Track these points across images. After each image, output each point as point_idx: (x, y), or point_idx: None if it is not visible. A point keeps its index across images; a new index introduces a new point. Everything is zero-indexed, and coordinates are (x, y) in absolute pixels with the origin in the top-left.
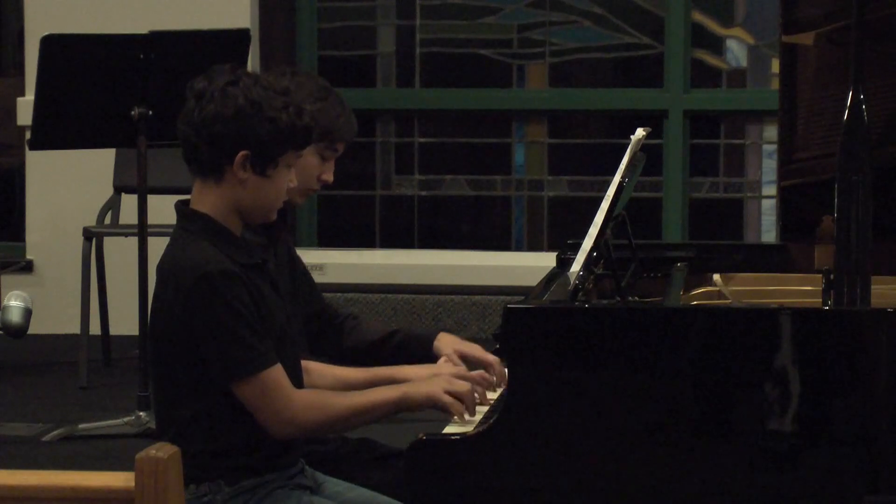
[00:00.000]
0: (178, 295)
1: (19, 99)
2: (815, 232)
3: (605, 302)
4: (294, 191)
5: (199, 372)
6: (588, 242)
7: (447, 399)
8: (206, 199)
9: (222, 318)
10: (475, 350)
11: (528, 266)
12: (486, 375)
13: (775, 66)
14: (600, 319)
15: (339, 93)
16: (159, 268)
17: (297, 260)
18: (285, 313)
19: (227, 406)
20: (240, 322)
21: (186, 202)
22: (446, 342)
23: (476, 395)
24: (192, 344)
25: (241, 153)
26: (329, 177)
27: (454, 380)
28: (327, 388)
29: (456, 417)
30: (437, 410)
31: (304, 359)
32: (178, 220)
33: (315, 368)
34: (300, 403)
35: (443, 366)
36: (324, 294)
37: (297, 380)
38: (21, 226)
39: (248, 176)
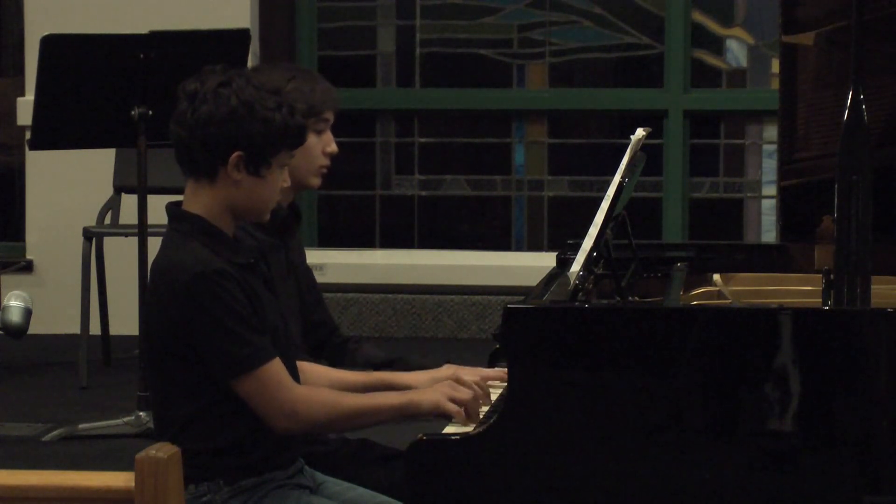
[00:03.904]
0: (171, 295)
1: (19, 99)
2: (815, 232)
3: (605, 302)
4: (307, 172)
5: (196, 372)
6: (588, 242)
7: (451, 407)
8: (200, 200)
9: (218, 316)
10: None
11: (528, 266)
12: (484, 386)
13: (775, 66)
14: (600, 319)
15: (310, 70)
16: (152, 269)
17: (307, 269)
18: (280, 312)
19: (225, 405)
20: (236, 319)
21: (178, 203)
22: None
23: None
24: (189, 344)
25: (235, 154)
26: (333, 147)
27: (458, 387)
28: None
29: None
30: (442, 418)
31: (301, 360)
32: (169, 221)
33: (312, 369)
34: (302, 398)
35: (443, 371)
36: (324, 294)
37: (294, 378)
38: (21, 226)
39: (242, 176)
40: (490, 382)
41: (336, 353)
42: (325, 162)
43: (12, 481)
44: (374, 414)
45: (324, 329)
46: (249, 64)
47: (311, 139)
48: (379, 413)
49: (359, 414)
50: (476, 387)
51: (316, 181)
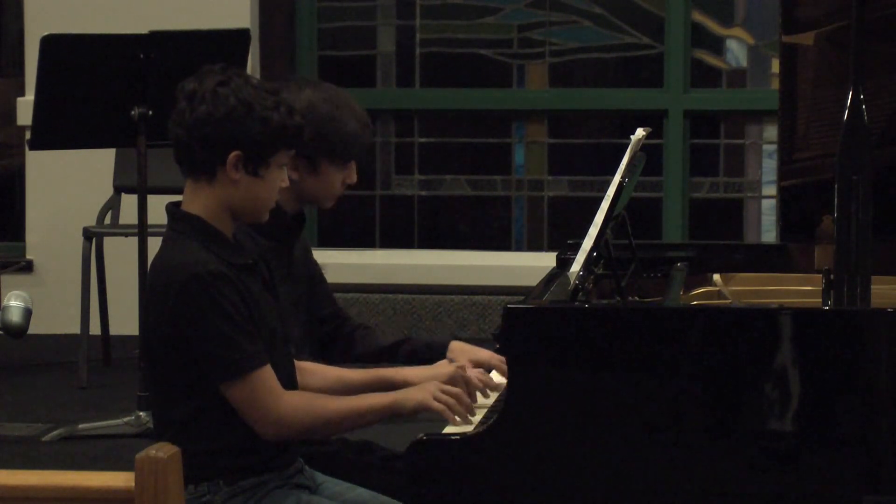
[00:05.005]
0: (168, 296)
1: (19, 99)
2: (815, 232)
3: (605, 302)
4: (324, 198)
5: (194, 373)
6: (588, 242)
7: (436, 405)
8: (198, 200)
9: (212, 319)
10: (487, 357)
11: (528, 266)
12: (483, 377)
13: (775, 66)
14: (600, 319)
15: (352, 101)
16: (150, 269)
17: (314, 263)
18: (279, 314)
19: (224, 406)
20: (229, 323)
21: (178, 203)
22: (459, 350)
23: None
24: (184, 345)
25: (234, 153)
26: (353, 179)
27: (444, 386)
28: (327, 389)
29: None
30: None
31: (304, 360)
32: (168, 221)
33: (314, 369)
34: (289, 405)
35: (442, 366)
36: None
37: (291, 381)
38: (21, 226)
39: (241, 176)
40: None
41: (346, 341)
42: (343, 190)
43: (12, 481)
44: (359, 416)
45: (333, 322)
46: (249, 64)
47: (335, 173)
48: (365, 415)
49: (345, 417)
50: (469, 385)
51: (330, 203)
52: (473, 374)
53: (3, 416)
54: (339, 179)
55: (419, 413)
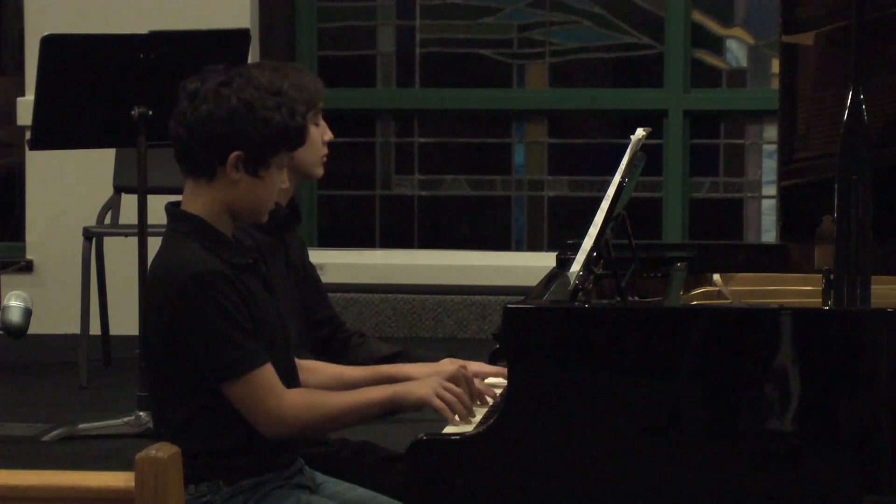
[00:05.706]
0: (167, 296)
1: (19, 99)
2: (815, 232)
3: (605, 302)
4: (312, 164)
5: (193, 373)
6: (588, 242)
7: (437, 403)
8: (198, 200)
9: (212, 319)
10: (478, 368)
11: (528, 266)
12: (486, 390)
13: (775, 66)
14: (600, 319)
15: (292, 63)
16: (150, 270)
17: (311, 267)
18: (278, 313)
19: (224, 406)
20: (229, 322)
21: (177, 203)
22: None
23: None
24: (184, 345)
25: (234, 154)
26: (329, 134)
27: (447, 384)
28: (327, 387)
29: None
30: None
31: (305, 358)
32: (168, 221)
33: (315, 367)
34: (290, 403)
35: (445, 365)
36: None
37: (292, 379)
38: (21, 226)
39: (241, 177)
40: (491, 380)
41: (341, 348)
42: (326, 150)
43: (12, 481)
44: (361, 410)
45: (329, 326)
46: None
47: (312, 131)
48: (366, 409)
49: (346, 412)
50: (470, 385)
51: (320, 170)
52: (474, 367)
53: (3, 416)
54: (317, 140)
55: (420, 408)
